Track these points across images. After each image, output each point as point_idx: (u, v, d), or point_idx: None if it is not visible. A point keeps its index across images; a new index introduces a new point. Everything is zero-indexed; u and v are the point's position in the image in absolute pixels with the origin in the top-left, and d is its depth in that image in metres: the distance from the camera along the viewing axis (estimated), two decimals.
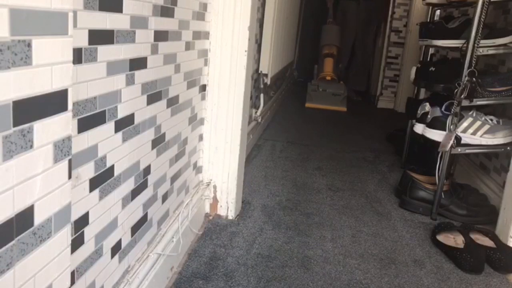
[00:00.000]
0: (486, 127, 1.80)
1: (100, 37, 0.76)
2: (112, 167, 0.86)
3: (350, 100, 4.25)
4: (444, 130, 1.79)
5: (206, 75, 1.50)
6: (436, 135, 1.83)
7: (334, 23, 4.73)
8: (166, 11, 1.06)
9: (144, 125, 1.00)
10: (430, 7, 2.40)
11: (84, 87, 0.73)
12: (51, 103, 0.54)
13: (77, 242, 0.76)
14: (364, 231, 1.65)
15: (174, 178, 1.27)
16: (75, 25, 0.68)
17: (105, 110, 0.80)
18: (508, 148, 1.78)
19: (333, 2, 4.87)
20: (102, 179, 0.83)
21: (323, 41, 4.61)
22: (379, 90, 4.44)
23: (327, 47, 4.51)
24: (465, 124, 1.80)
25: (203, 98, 1.50)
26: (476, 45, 1.68)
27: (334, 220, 1.71)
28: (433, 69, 1.92)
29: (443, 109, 1.83)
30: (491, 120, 1.81)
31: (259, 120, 2.60)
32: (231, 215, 1.61)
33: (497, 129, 1.80)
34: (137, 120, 0.95)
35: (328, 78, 4.22)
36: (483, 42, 1.72)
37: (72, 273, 0.76)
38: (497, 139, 1.79)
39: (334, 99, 3.95)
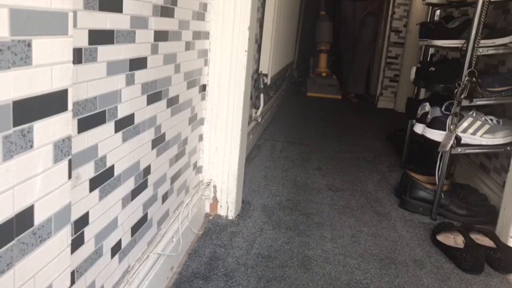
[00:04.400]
0: (486, 127, 1.80)
1: (100, 37, 0.76)
2: (112, 167, 0.86)
3: (349, 102, 4.66)
4: (444, 130, 1.79)
5: (206, 75, 1.50)
6: (436, 135, 1.83)
7: (327, 16, 5.12)
8: (166, 11, 1.06)
9: (144, 125, 1.00)
10: (430, 7, 2.40)
11: (84, 87, 0.73)
12: (51, 103, 0.54)
13: (77, 242, 0.76)
14: (364, 231, 1.64)
15: (174, 178, 1.27)
16: (75, 25, 0.68)
17: (105, 110, 0.80)
18: (508, 148, 1.78)
19: None
20: (102, 179, 0.83)
21: (318, 37, 5.09)
22: (379, 90, 4.44)
23: (322, 44, 5.06)
24: (465, 124, 1.80)
25: (203, 98, 1.50)
26: (476, 45, 1.68)
27: (334, 220, 1.71)
28: (433, 69, 1.92)
29: (443, 109, 1.83)
30: (491, 120, 1.81)
31: (259, 120, 2.60)
32: (231, 215, 1.61)
33: (497, 129, 1.80)
34: (137, 120, 0.95)
35: (324, 75, 4.95)
36: (483, 42, 1.72)
37: (72, 273, 0.76)
38: (497, 139, 1.79)
39: (331, 89, 4.79)
